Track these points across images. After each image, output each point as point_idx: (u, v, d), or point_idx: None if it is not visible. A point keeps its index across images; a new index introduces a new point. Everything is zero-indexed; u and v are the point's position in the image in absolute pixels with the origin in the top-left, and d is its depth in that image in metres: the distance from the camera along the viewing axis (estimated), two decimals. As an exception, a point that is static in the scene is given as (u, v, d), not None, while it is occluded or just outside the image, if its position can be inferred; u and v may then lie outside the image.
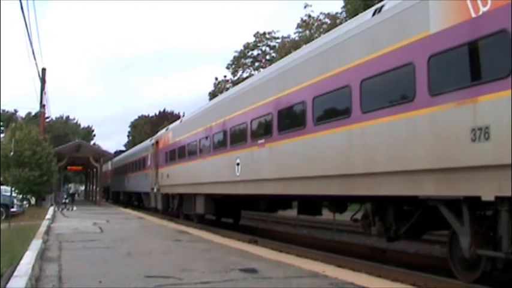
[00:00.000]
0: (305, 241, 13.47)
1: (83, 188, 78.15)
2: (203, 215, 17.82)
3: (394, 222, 8.30)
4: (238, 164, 13.34)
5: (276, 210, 16.18)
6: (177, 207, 20.83)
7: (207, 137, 16.56)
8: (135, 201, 35.23)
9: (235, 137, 13.99)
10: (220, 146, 15.22)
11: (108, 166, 47.61)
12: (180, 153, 20.13)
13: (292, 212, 16.07)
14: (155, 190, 24.30)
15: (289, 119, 11.05)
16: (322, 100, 9.58)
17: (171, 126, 24.26)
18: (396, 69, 7.48)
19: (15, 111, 67.15)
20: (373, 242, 14.16)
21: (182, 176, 19.45)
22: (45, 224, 14.71)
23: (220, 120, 15.29)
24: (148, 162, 27.45)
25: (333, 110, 9.38)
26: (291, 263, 7.62)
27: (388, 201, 8.31)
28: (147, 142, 30.39)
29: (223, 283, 5.91)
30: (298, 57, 11.13)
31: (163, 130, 25.51)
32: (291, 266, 7.32)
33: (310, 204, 12.91)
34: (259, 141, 12.19)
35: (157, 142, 25.24)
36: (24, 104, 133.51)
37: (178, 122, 22.80)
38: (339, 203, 10.89)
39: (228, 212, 18.23)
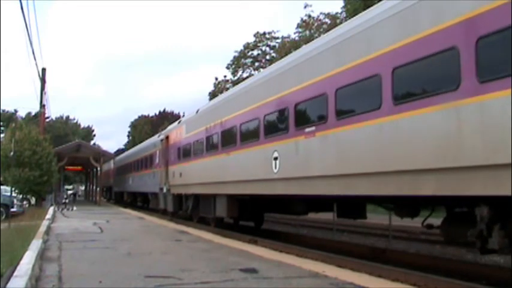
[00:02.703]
0: (305, 241, 13.47)
1: (83, 188, 78.12)
2: (223, 218, 15.95)
3: None
4: (276, 159, 11.05)
5: (307, 213, 14.03)
6: (191, 209, 18.51)
7: (231, 128, 14.05)
8: (140, 202, 33.64)
9: (271, 126, 11.64)
10: (250, 137, 12.74)
11: (111, 165, 46.25)
12: (196, 148, 17.65)
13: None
14: (165, 190, 22.04)
15: (355, 99, 8.62)
16: (409, 71, 7.23)
17: (184, 118, 21.98)
18: None
19: (15, 111, 67.04)
20: (373, 242, 14.17)
21: (198, 174, 17.12)
22: (45, 224, 14.70)
23: (250, 107, 12.83)
24: (157, 160, 25.26)
25: (428, 83, 6.99)
26: (291, 263, 7.62)
27: None
28: (155, 138, 28.15)
29: (223, 283, 5.90)
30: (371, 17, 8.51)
31: (175, 123, 22.84)
32: (291, 266, 7.32)
33: (353, 205, 11.11)
34: (307, 130, 9.80)
35: (167, 137, 22.60)
36: (24, 104, 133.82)
37: (192, 114, 20.09)
38: (409, 205, 8.67)
39: (250, 215, 15.95)
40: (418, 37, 6.96)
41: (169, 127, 23.95)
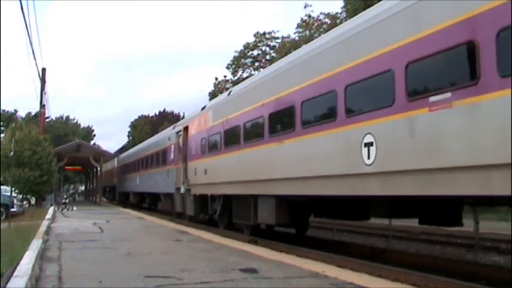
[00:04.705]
0: (305, 241, 13.47)
1: (83, 188, 78.16)
2: (259, 225, 13.19)
3: None
4: (368, 145, 7.97)
5: (368, 218, 11.31)
6: (219, 213, 15.52)
7: (286, 109, 10.89)
8: (148, 203, 31.60)
9: (361, 101, 8.49)
10: (320, 118, 9.70)
11: (114, 163, 43.93)
12: (228, 138, 14.42)
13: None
14: (182, 190, 18.87)
15: None
16: None
17: (209, 104, 18.48)
18: None
19: (15, 111, 67.08)
20: (373, 242, 14.17)
21: (232, 170, 13.99)
22: (45, 224, 14.69)
23: (318, 77, 9.65)
24: (171, 156, 21.97)
25: None
26: (291, 263, 7.62)
27: None
28: (169, 130, 24.77)
29: (223, 283, 5.90)
30: None
31: (198, 110, 18.97)
32: (291, 266, 7.31)
33: (443, 209, 8.71)
34: (434, 99, 6.70)
35: (186, 128, 19.33)
36: (24, 104, 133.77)
37: (223, 96, 17.16)
38: None
39: (300, 220, 13.22)
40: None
41: (188, 116, 20.42)
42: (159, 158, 25.23)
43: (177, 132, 20.92)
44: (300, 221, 13.01)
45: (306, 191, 10.15)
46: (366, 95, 8.31)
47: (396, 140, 7.49)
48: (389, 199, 8.32)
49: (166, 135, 24.43)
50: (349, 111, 8.60)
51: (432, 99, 6.77)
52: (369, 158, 7.98)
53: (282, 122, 11.29)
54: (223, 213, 15.23)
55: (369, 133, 8.00)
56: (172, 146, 21.81)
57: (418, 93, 7.15)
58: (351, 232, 16.45)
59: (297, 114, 10.28)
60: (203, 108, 18.10)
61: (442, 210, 8.72)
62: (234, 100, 14.70)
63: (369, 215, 10.59)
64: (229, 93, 15.92)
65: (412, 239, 14.02)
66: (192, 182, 17.79)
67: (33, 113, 59.92)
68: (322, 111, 9.71)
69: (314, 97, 9.80)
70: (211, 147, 15.88)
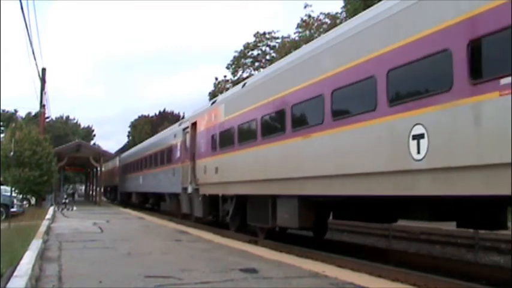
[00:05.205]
0: (305, 241, 13.47)
1: (83, 188, 78.16)
2: (274, 228, 12.26)
3: None
4: (418, 137, 6.94)
5: (396, 220, 10.37)
6: (231, 215, 14.48)
7: (312, 100, 9.83)
8: (151, 204, 30.79)
9: (406, 87, 7.46)
10: (357, 109, 8.49)
11: (116, 163, 43.05)
12: (243, 133, 13.37)
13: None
14: (190, 190, 17.91)
15: None
16: None
17: (221, 97, 17.24)
18: None
19: (15, 111, 67.15)
20: (373, 242, 14.17)
21: (247, 168, 12.88)
22: (45, 224, 14.69)
23: (355, 62, 8.44)
24: (177, 154, 20.99)
25: None
26: (291, 263, 7.62)
27: None
28: (175, 127, 23.85)
29: (223, 283, 5.90)
30: None
31: (208, 105, 18.10)
32: (291, 266, 7.31)
33: (489, 211, 7.92)
34: (505, 82, 5.74)
35: (194, 124, 18.18)
36: (24, 104, 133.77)
37: (236, 88, 16.08)
38: None
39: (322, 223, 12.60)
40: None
41: (197, 111, 19.10)
42: (164, 157, 24.29)
43: (184, 129, 19.97)
44: (320, 223, 12.13)
45: (338, 191, 8.90)
46: (414, 81, 7.25)
47: (455, 131, 6.45)
48: (429, 200, 7.46)
49: (172, 132, 23.33)
50: (393, 101, 7.52)
51: (503, 81, 5.73)
52: (418, 152, 6.96)
53: (307, 114, 10.29)
54: (235, 215, 14.26)
55: (419, 123, 6.96)
56: (179, 144, 20.84)
57: (479, 75, 6.14)
58: (350, 232, 16.45)
59: (327, 105, 9.22)
60: (213, 102, 17.11)
61: (487, 212, 7.88)
62: (249, 92, 13.50)
63: (397, 217, 9.81)
64: (243, 85, 14.62)
65: (412, 239, 14.02)
66: (201, 181, 16.75)
67: (33, 113, 60.01)
68: (357, 101, 8.54)
69: (347, 85, 8.65)
70: (224, 144, 14.75)
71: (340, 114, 8.91)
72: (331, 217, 12.33)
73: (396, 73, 7.48)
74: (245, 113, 13.22)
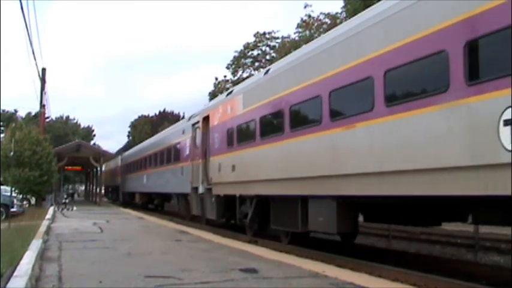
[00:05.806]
0: (305, 241, 13.46)
1: (83, 188, 78.20)
2: (303, 233, 10.76)
3: None
4: (510, 123, 5.47)
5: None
6: (251, 217, 13.05)
7: (359, 82, 8.25)
8: (155, 204, 29.76)
9: (490, 63, 6.05)
10: (418, 92, 7.03)
11: (117, 162, 42.04)
12: (267, 126, 11.98)
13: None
14: (201, 190, 16.59)
15: None
16: None
17: (238, 87, 15.45)
18: None
19: (15, 111, 67.12)
20: (373, 242, 14.18)
21: (271, 165, 11.50)
22: (45, 224, 14.70)
23: (418, 35, 6.93)
24: (186, 151, 19.50)
25: None
26: (291, 263, 7.62)
27: None
28: (183, 122, 22.33)
29: (223, 283, 5.90)
30: None
31: (221, 96, 16.64)
32: (291, 266, 7.31)
33: None
34: None
35: (205, 119, 16.72)
36: (24, 104, 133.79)
37: (257, 76, 14.74)
38: None
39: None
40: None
41: (210, 104, 17.76)
42: (170, 155, 22.80)
43: (194, 124, 18.41)
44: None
45: (392, 191, 7.41)
46: (503, 54, 5.61)
47: None
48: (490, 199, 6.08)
49: (180, 128, 21.80)
50: (472, 77, 6.07)
51: None
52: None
53: (350, 100, 8.70)
54: (254, 217, 12.91)
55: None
56: (188, 140, 19.29)
57: None
58: (351, 232, 16.42)
59: (377, 88, 7.68)
60: (229, 93, 15.66)
61: None
62: (274, 80, 11.88)
63: (446, 220, 8.77)
64: (266, 72, 13.01)
65: (412, 239, 14.02)
66: (214, 180, 15.27)
67: (33, 113, 60.00)
68: (419, 83, 7.11)
69: (406, 63, 7.16)
70: (243, 139, 13.28)
71: (396, 100, 7.35)
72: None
73: (471, 47, 6.15)
74: (269, 102, 11.78)
